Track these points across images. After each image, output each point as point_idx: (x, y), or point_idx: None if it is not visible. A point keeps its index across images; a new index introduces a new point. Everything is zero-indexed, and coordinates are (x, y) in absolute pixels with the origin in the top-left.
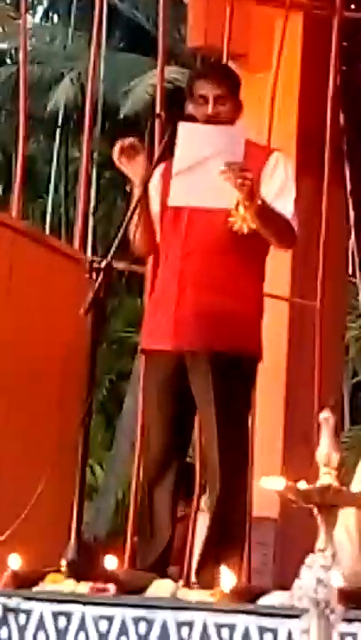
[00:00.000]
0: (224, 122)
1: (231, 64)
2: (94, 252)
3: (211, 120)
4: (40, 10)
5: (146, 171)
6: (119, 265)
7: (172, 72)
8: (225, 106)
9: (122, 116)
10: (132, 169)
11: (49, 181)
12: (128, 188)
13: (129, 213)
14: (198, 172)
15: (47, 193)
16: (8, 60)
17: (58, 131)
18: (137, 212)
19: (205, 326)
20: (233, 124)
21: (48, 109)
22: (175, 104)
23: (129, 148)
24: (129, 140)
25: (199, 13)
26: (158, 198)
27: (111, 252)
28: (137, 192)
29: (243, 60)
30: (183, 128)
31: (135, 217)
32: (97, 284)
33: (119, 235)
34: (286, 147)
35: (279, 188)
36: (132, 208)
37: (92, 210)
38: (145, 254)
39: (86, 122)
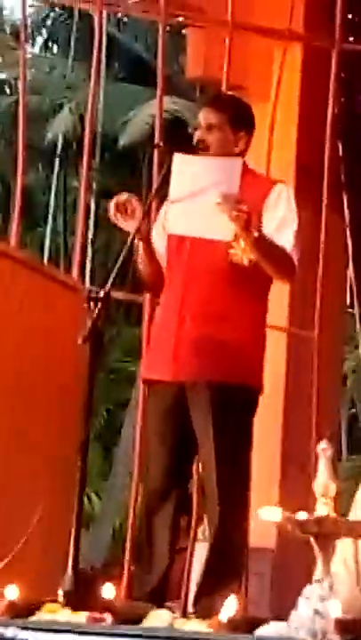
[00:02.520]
0: (213, 150)
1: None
2: (92, 281)
3: (199, 147)
4: (40, 40)
5: (143, 225)
6: (117, 294)
7: (171, 103)
8: (216, 134)
9: (121, 146)
10: (129, 225)
11: (47, 211)
12: (128, 241)
13: (122, 256)
14: (195, 202)
15: (45, 222)
16: (7, 90)
17: (56, 160)
18: (139, 253)
19: (205, 357)
20: (227, 154)
21: (47, 139)
22: (174, 134)
23: (123, 204)
24: (123, 197)
25: (198, 44)
26: (163, 233)
27: (109, 281)
28: (141, 245)
29: (242, 91)
30: (178, 159)
31: (141, 256)
32: (95, 314)
33: (117, 264)
34: (285, 177)
35: (281, 219)
36: (124, 253)
37: (90, 239)
38: (153, 287)
39: (85, 152)
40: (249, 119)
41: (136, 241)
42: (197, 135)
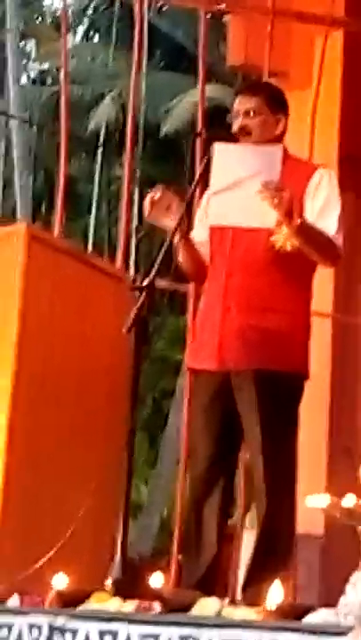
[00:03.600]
0: (255, 135)
1: (272, 82)
2: (137, 270)
3: (241, 133)
4: (81, 30)
5: (182, 224)
6: (162, 283)
7: (213, 90)
8: (256, 119)
9: (163, 134)
10: (166, 222)
11: (91, 200)
12: (167, 238)
13: (166, 245)
14: (236, 192)
15: (89, 212)
16: (50, 80)
17: (99, 150)
18: (179, 249)
19: (250, 345)
20: (268, 137)
21: (89, 129)
22: (216, 122)
23: (159, 200)
24: (157, 194)
25: (239, 31)
26: (205, 222)
27: (153, 270)
28: (177, 239)
29: (283, 78)
30: (218, 148)
31: (181, 252)
32: (139, 303)
33: (161, 253)
34: (327, 163)
35: (323, 204)
36: (167, 242)
37: (134, 228)
38: (196, 280)
39: (128, 141)
40: (284, 101)
41: (175, 240)
42: (238, 123)
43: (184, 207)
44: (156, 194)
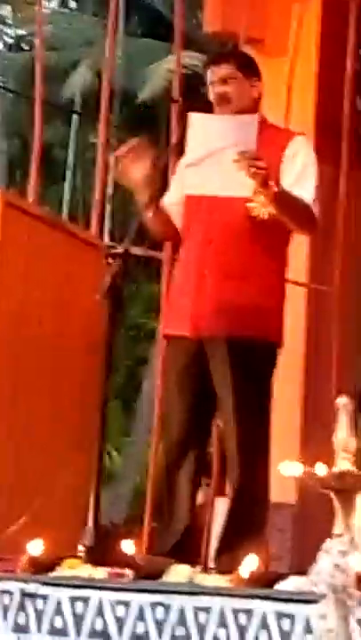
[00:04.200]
0: (234, 101)
1: (249, 49)
2: (112, 237)
3: (220, 101)
4: None
5: (151, 186)
6: (136, 250)
7: (190, 57)
8: (233, 85)
9: (139, 101)
10: (135, 174)
11: (66, 167)
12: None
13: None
14: (212, 161)
15: (64, 179)
16: (25, 47)
17: (75, 117)
18: (150, 210)
19: (224, 312)
20: (247, 102)
21: (65, 95)
22: (192, 89)
23: (128, 153)
24: (127, 147)
25: None
26: (180, 186)
27: (128, 237)
28: (140, 199)
29: (260, 45)
30: (194, 118)
31: (149, 214)
32: (114, 269)
33: (136, 220)
34: (304, 131)
35: (300, 172)
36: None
37: (109, 196)
38: (165, 240)
39: (103, 107)
40: (256, 66)
41: (145, 208)
42: (216, 91)
43: (154, 169)
44: (123, 148)
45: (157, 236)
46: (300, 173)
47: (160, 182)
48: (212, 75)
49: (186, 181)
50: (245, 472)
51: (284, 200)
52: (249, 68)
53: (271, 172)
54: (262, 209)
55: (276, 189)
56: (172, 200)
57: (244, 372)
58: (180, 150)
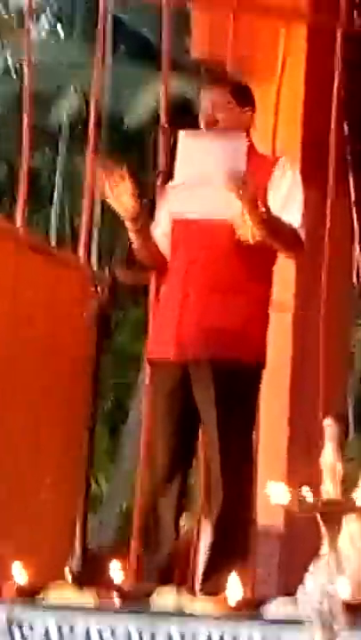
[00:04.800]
0: (226, 128)
1: (236, 74)
2: (99, 263)
3: (210, 126)
4: (44, 22)
5: (133, 206)
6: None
7: (177, 83)
8: (224, 112)
9: (126, 127)
10: (117, 201)
11: (53, 193)
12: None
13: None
14: (200, 182)
15: (52, 204)
16: (12, 73)
17: (62, 142)
18: (137, 239)
19: (207, 334)
20: (239, 128)
21: (52, 121)
22: (179, 114)
23: (110, 177)
24: (108, 172)
25: (203, 24)
26: (168, 214)
27: (115, 263)
28: (129, 226)
29: (247, 71)
30: (183, 137)
31: (136, 241)
32: (102, 296)
33: (123, 246)
34: (290, 157)
35: (286, 195)
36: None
37: (96, 221)
38: (153, 269)
39: (91, 133)
40: (250, 94)
41: (132, 235)
42: (208, 116)
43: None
44: (106, 171)
45: (146, 264)
46: (286, 197)
47: (147, 212)
48: (205, 99)
49: (172, 203)
50: (229, 494)
51: (272, 223)
52: (243, 96)
53: (259, 194)
54: (249, 233)
55: (263, 211)
56: (163, 230)
57: (227, 395)
58: (167, 176)
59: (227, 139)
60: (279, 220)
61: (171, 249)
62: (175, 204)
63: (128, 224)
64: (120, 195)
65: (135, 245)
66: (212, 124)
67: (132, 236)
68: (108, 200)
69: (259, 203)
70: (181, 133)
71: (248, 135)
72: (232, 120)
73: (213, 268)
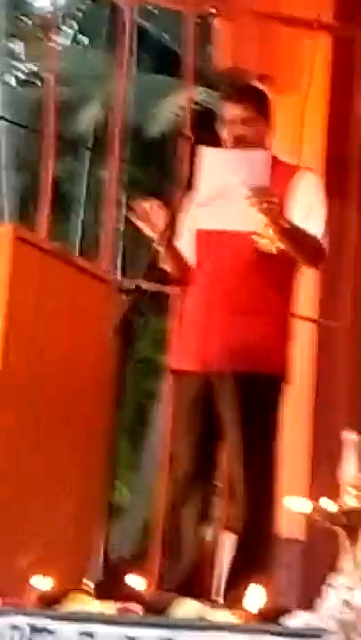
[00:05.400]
0: (252, 143)
1: (259, 85)
2: (123, 272)
3: (238, 142)
4: (69, 32)
5: (164, 230)
6: (147, 285)
7: (200, 93)
8: (252, 127)
9: (150, 137)
10: (149, 229)
11: (77, 202)
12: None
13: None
14: (223, 196)
15: (76, 214)
16: (37, 82)
17: (86, 152)
18: (166, 251)
19: (232, 346)
20: (262, 144)
21: (76, 130)
22: (203, 125)
23: (147, 211)
24: (149, 205)
25: (226, 35)
26: (193, 225)
27: (140, 272)
28: (160, 249)
29: (270, 82)
30: (205, 152)
31: (165, 258)
32: (126, 305)
33: (147, 255)
34: (314, 168)
35: (309, 207)
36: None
37: (121, 231)
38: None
39: (115, 143)
40: (271, 106)
41: (160, 248)
42: (235, 132)
43: (169, 215)
44: (142, 205)
45: (172, 274)
46: (308, 208)
47: (172, 225)
48: (230, 113)
49: (196, 218)
50: (251, 507)
51: (294, 235)
52: (266, 110)
53: (282, 207)
54: (270, 244)
55: (286, 225)
56: (186, 243)
57: (251, 408)
58: (189, 186)
59: (249, 154)
60: (301, 231)
61: (196, 261)
62: (199, 218)
63: (162, 244)
64: (152, 220)
65: (163, 259)
66: (241, 142)
67: (165, 254)
68: (138, 224)
69: (281, 216)
70: (204, 149)
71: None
72: (259, 134)
73: (237, 283)
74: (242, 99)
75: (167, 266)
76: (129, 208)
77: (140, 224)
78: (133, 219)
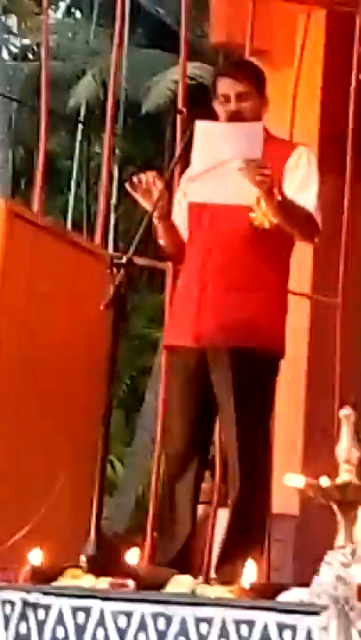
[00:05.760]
0: (248, 119)
1: (254, 60)
2: (115, 247)
3: (234, 118)
4: (62, 6)
5: (162, 202)
6: (140, 261)
7: (195, 68)
8: (248, 102)
9: (144, 112)
10: (147, 202)
11: (70, 177)
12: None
13: (145, 223)
14: (217, 169)
15: (69, 189)
16: (30, 56)
17: (79, 127)
18: (159, 229)
19: (226, 322)
20: (258, 120)
21: (70, 105)
22: (197, 100)
23: (145, 184)
24: (147, 177)
25: (222, 9)
26: (185, 200)
27: (132, 247)
28: (155, 221)
29: (265, 57)
30: (200, 127)
31: (160, 232)
32: (118, 280)
33: (140, 231)
34: (308, 143)
35: (302, 181)
36: (146, 221)
37: (113, 206)
38: (176, 259)
39: (108, 118)
40: (265, 81)
41: (155, 219)
42: (232, 107)
43: (164, 188)
44: (144, 176)
45: (169, 250)
46: (302, 182)
47: (167, 199)
48: (226, 88)
49: (190, 191)
50: (246, 483)
51: (288, 208)
52: (262, 85)
53: (275, 180)
54: (264, 218)
55: (279, 197)
56: (182, 217)
57: (245, 383)
58: (185, 161)
59: (242, 127)
60: (294, 205)
61: (188, 235)
62: (193, 191)
63: (159, 222)
64: (149, 192)
65: (158, 232)
66: (237, 116)
67: (158, 228)
68: (135, 196)
69: (274, 189)
70: (198, 123)
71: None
72: (254, 110)
73: (231, 258)
74: (237, 74)
75: (161, 240)
76: (124, 181)
77: (136, 196)
78: (130, 190)
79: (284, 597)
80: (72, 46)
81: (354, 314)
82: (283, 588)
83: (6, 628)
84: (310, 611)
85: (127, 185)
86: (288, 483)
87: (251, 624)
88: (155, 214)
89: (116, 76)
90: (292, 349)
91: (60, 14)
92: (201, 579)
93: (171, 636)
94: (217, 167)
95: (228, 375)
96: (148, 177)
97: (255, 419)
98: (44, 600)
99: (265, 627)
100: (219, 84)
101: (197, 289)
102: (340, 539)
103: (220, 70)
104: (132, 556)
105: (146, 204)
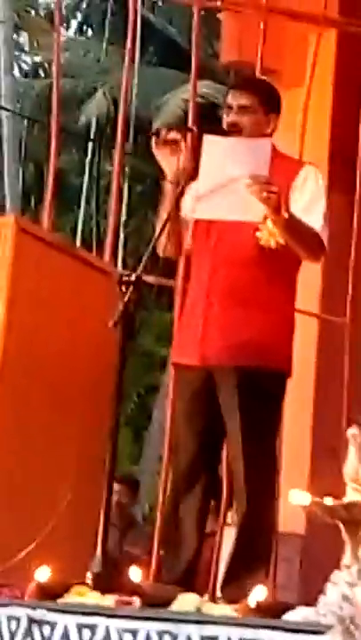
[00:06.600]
0: (246, 132)
1: (266, 78)
2: (124, 265)
3: (230, 129)
4: (74, 23)
5: (184, 169)
6: (149, 278)
7: (205, 87)
8: (249, 116)
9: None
10: (169, 164)
11: (80, 194)
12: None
13: (159, 227)
14: (224, 185)
15: (79, 206)
16: (42, 73)
17: (90, 144)
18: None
19: (232, 341)
20: (258, 135)
21: (80, 123)
22: (207, 118)
23: (171, 142)
24: (172, 135)
25: (233, 28)
26: (192, 218)
27: (141, 265)
28: (167, 187)
29: (276, 76)
30: (208, 141)
31: (170, 225)
32: (126, 297)
33: (149, 248)
34: (318, 162)
35: (309, 200)
36: (156, 237)
37: (122, 223)
38: (173, 256)
39: (118, 135)
40: (278, 101)
41: (167, 185)
42: (230, 118)
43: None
44: (170, 134)
45: (172, 254)
46: (309, 201)
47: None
48: (231, 99)
49: (196, 208)
50: (252, 502)
51: (294, 227)
52: (271, 103)
53: (282, 197)
54: (271, 238)
55: (286, 215)
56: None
57: (252, 402)
58: (194, 177)
59: (250, 143)
60: (301, 223)
61: (194, 253)
62: (199, 208)
63: (167, 185)
64: (171, 156)
65: (167, 230)
66: (235, 129)
67: (167, 206)
68: (157, 157)
69: (281, 206)
70: (206, 137)
71: (271, 137)
72: (254, 125)
73: (237, 276)
74: (243, 87)
75: (169, 245)
76: (151, 143)
77: (160, 156)
78: (155, 151)
79: (289, 616)
80: (83, 64)
81: None
82: (289, 607)
83: None
84: (316, 630)
85: (153, 140)
86: (293, 500)
87: None
88: (175, 182)
89: (127, 93)
90: (300, 368)
91: (71, 32)
92: (207, 597)
93: None
94: (224, 183)
95: (234, 394)
96: (176, 137)
97: (261, 438)
98: (50, 617)
99: None
100: (227, 96)
101: (203, 307)
102: (346, 558)
103: (231, 83)
104: (138, 574)
105: (166, 168)
